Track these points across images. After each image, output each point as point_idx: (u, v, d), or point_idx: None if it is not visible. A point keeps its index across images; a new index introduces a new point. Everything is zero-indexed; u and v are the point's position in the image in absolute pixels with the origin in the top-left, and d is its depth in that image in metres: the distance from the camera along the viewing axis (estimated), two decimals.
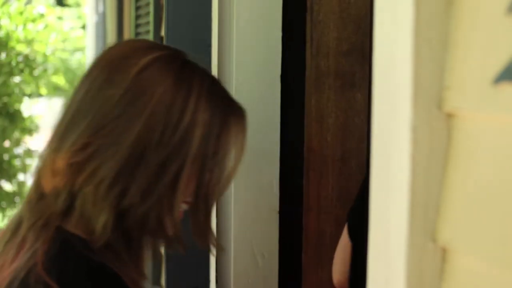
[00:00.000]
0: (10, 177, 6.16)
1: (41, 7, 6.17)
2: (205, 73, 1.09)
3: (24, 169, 6.26)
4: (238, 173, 1.72)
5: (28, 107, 6.57)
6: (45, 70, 6.20)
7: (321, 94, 1.61)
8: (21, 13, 5.75)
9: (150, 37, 2.60)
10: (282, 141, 1.73)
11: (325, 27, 1.58)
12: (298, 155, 1.76)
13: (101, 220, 0.95)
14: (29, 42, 5.85)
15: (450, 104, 0.69)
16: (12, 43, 5.71)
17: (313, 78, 1.60)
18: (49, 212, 0.97)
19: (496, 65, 0.62)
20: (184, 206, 1.05)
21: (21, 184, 6.28)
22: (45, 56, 6.03)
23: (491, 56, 0.63)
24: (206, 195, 1.05)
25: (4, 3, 5.72)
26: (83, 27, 10.50)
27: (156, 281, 2.59)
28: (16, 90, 5.99)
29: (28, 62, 5.90)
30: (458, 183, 0.69)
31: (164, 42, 1.87)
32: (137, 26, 3.02)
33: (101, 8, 6.25)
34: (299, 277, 1.79)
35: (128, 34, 3.97)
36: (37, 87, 6.19)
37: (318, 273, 1.66)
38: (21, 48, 5.81)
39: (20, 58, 5.84)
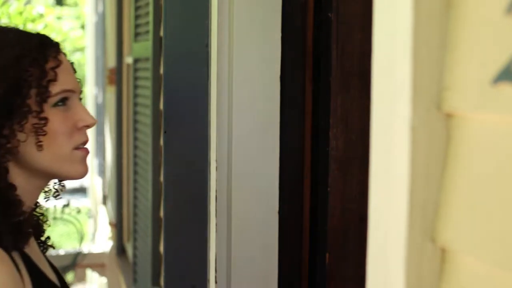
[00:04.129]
0: None
1: (40, 7, 6.17)
2: None
3: None
4: (238, 173, 1.72)
5: None
6: None
7: (346, 94, 1.62)
8: (20, 13, 5.75)
9: (150, 37, 2.60)
10: (282, 141, 1.73)
11: (349, 28, 1.60)
12: (298, 155, 1.76)
13: None
14: None
15: (449, 104, 0.69)
16: None
17: (338, 78, 1.61)
18: None
19: (495, 66, 0.62)
20: None
21: None
22: None
23: (490, 57, 0.63)
24: None
25: (3, 3, 5.72)
26: (82, 27, 10.50)
27: (155, 281, 2.59)
28: None
29: None
30: (457, 183, 0.69)
31: (163, 42, 1.87)
32: (136, 26, 3.02)
33: (100, 8, 6.25)
34: (299, 277, 1.79)
35: (127, 34, 3.97)
36: None
37: (343, 271, 1.67)
38: None
39: None
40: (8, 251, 1.09)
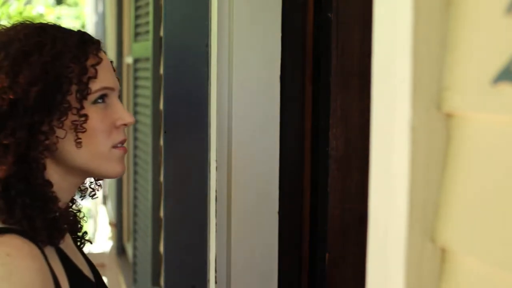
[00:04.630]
0: None
1: (40, 7, 6.18)
2: None
3: None
4: (238, 173, 1.72)
5: None
6: None
7: (346, 94, 1.62)
8: (20, 13, 5.76)
9: (150, 37, 2.60)
10: (282, 141, 1.73)
11: (349, 28, 1.60)
12: (298, 155, 1.76)
13: None
14: None
15: (449, 104, 0.69)
16: None
17: (338, 78, 1.61)
18: None
19: (495, 66, 0.62)
20: None
21: None
22: None
23: (490, 57, 0.63)
24: None
25: (3, 3, 5.72)
26: (83, 27, 10.50)
27: (155, 281, 2.59)
28: None
29: None
30: (457, 183, 0.69)
31: (163, 42, 1.87)
32: (136, 26, 3.02)
33: (100, 8, 6.26)
34: (299, 277, 1.79)
35: (127, 34, 3.96)
36: None
37: (343, 271, 1.67)
38: None
39: None
40: (42, 246, 1.09)
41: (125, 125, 1.20)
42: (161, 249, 2.20)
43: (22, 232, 1.07)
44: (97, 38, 1.24)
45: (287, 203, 1.75)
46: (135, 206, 3.13)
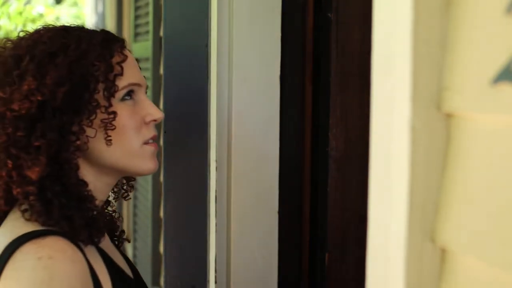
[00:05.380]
0: None
1: (40, 7, 6.18)
2: None
3: None
4: (238, 173, 1.72)
5: None
6: None
7: (346, 93, 1.62)
8: (20, 13, 5.76)
9: (150, 37, 2.60)
10: (282, 141, 1.73)
11: (349, 28, 1.60)
12: (298, 155, 1.76)
13: None
14: None
15: (449, 104, 0.69)
16: None
17: (338, 78, 1.61)
18: None
19: (495, 66, 0.62)
20: None
21: None
22: None
23: (490, 57, 0.63)
24: None
25: (3, 3, 5.72)
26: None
27: (155, 281, 2.59)
28: None
29: None
30: (457, 183, 0.69)
31: (163, 42, 1.87)
32: (136, 26, 3.02)
33: (100, 8, 6.26)
34: (299, 277, 1.79)
35: (127, 34, 3.96)
36: None
37: (343, 271, 1.66)
38: None
39: None
40: (83, 246, 1.09)
41: (154, 120, 1.21)
42: (161, 249, 2.20)
43: (63, 234, 1.06)
44: None
45: (287, 203, 1.75)
46: (135, 206, 3.13)
